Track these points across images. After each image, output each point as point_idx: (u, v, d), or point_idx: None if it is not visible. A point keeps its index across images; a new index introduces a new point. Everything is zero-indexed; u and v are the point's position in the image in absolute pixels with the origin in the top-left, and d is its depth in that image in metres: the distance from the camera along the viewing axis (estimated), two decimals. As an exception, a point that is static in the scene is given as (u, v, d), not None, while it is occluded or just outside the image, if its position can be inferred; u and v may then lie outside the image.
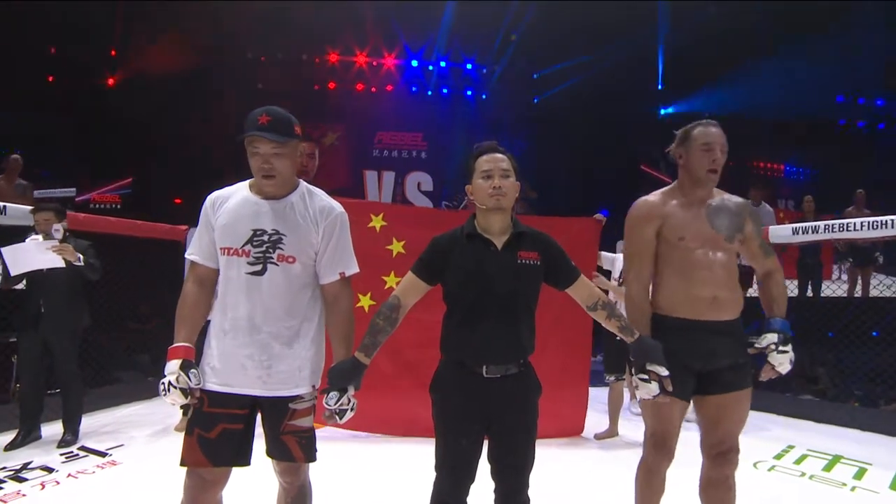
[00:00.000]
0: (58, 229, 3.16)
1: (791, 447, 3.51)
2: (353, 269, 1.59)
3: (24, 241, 3.16)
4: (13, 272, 3.09)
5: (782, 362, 1.69)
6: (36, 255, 3.09)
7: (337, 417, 1.45)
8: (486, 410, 1.54)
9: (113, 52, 9.54)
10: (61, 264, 3.12)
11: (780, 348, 1.68)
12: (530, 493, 1.60)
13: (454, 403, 1.56)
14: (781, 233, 4.47)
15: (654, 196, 1.79)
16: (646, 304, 1.74)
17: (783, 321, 1.73)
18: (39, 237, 3.18)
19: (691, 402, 1.75)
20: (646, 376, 1.57)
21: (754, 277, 1.92)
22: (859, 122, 12.04)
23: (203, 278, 1.54)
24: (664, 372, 1.56)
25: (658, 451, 1.75)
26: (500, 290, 1.53)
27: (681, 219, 1.71)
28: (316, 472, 1.63)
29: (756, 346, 1.73)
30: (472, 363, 1.54)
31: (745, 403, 1.72)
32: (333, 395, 1.44)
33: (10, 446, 3.13)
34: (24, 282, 3.25)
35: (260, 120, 1.43)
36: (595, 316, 1.64)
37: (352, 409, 1.46)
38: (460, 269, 1.56)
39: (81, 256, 3.17)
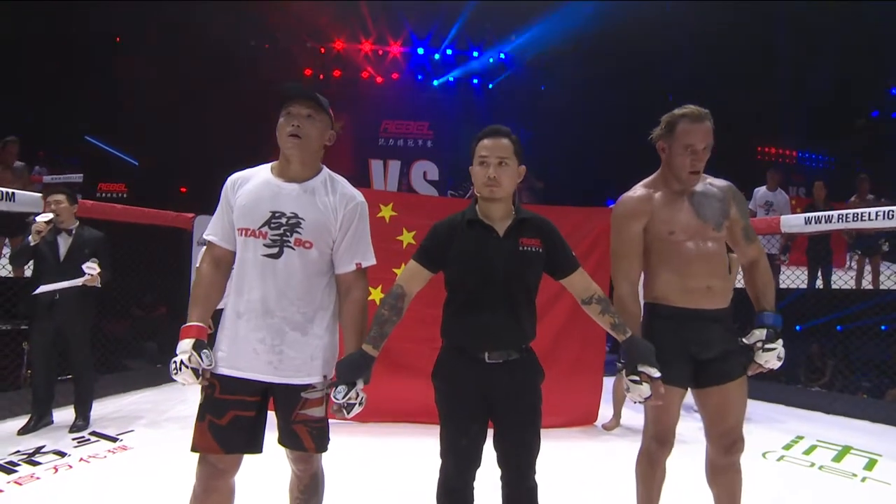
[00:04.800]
0: (92, 267, 3.21)
1: (800, 438, 3.50)
2: (370, 260, 1.56)
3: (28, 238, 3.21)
4: (37, 291, 3.17)
5: (769, 360, 1.66)
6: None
7: (345, 411, 1.42)
8: (488, 396, 1.53)
9: (118, 39, 9.50)
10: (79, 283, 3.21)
11: (767, 346, 1.65)
12: (537, 478, 1.58)
13: (456, 389, 1.55)
14: (794, 222, 4.41)
15: (637, 191, 1.74)
16: (635, 303, 1.69)
17: (773, 315, 1.69)
18: (49, 216, 3.18)
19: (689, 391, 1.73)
20: (637, 378, 1.50)
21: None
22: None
23: (219, 260, 1.52)
24: (656, 374, 1.50)
25: (660, 442, 1.74)
26: (501, 276, 1.51)
27: (668, 213, 1.67)
28: (327, 459, 1.62)
29: (744, 341, 1.70)
30: (473, 349, 1.53)
31: (744, 391, 1.71)
32: (341, 388, 1.41)
33: (23, 431, 3.17)
34: (35, 270, 3.26)
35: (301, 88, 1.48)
36: (588, 310, 1.58)
37: (360, 404, 1.43)
38: (462, 255, 1.53)
39: (99, 279, 3.24)
